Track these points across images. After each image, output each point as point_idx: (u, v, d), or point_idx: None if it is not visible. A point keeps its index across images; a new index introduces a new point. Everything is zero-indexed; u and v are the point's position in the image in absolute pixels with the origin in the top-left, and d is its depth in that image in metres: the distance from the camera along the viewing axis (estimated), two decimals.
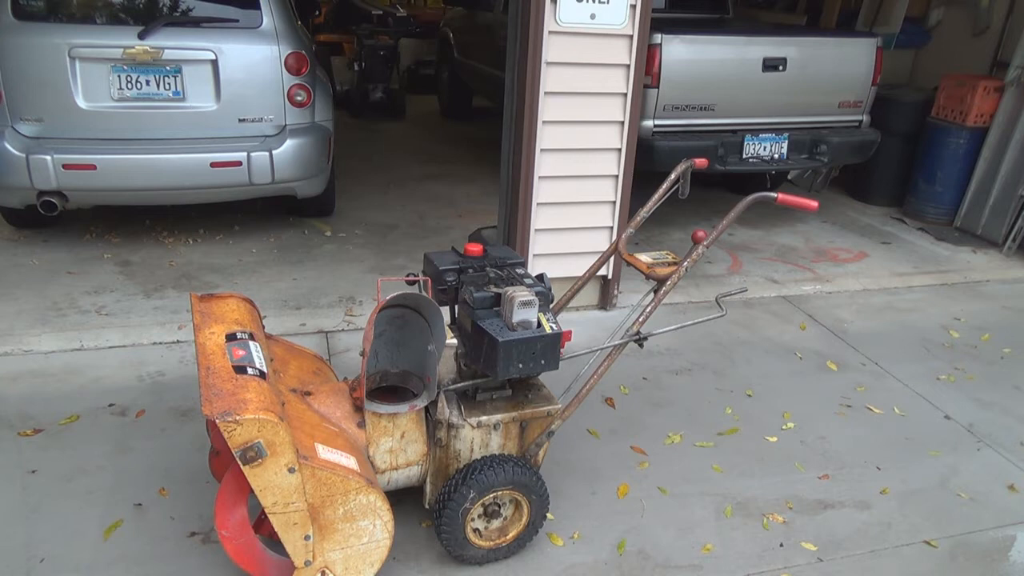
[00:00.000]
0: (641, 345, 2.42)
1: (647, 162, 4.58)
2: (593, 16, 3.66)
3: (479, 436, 2.39)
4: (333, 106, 4.96)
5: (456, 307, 2.42)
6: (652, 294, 2.48)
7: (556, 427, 2.44)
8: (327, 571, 2.11)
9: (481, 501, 2.33)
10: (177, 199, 4.69)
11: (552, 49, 3.67)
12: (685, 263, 2.41)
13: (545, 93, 3.73)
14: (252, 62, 4.38)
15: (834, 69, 5.18)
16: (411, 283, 2.42)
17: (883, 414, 3.48)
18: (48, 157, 4.07)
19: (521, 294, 2.20)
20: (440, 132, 8.66)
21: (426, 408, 2.38)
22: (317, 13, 9.73)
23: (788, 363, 3.89)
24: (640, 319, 2.40)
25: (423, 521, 2.59)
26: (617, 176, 4.02)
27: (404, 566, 2.43)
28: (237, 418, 1.83)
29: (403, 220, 5.54)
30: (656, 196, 2.73)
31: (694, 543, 2.63)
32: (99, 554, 2.41)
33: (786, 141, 5.16)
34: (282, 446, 1.90)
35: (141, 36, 4.16)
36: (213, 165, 4.30)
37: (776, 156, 5.16)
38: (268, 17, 4.41)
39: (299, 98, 4.51)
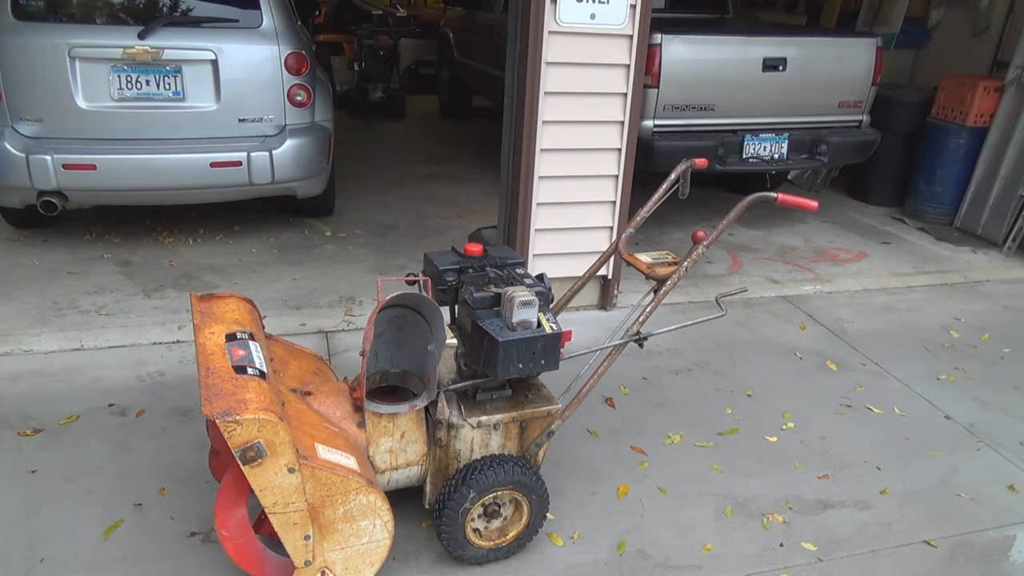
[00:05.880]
0: (641, 345, 2.42)
1: (647, 162, 4.58)
2: (593, 16, 3.66)
3: (479, 436, 2.39)
4: (333, 106, 4.96)
5: (456, 307, 2.42)
6: (652, 294, 2.48)
7: (556, 427, 2.44)
8: (327, 571, 2.11)
9: (481, 501, 2.33)
10: (177, 199, 4.69)
11: (552, 49, 3.67)
12: (685, 263, 2.41)
13: (545, 93, 3.73)
14: (252, 62, 4.38)
15: (834, 69, 5.18)
16: (411, 283, 2.41)
17: (883, 414, 3.48)
18: (48, 157, 4.07)
19: (521, 294, 2.20)
20: (440, 132, 8.66)
21: (426, 408, 2.38)
22: (317, 13, 9.75)
23: (788, 363, 3.89)
24: (640, 319, 2.40)
25: (423, 521, 2.59)
26: (617, 176, 4.02)
27: (404, 566, 2.43)
28: (237, 418, 1.83)
29: (403, 220, 5.54)
30: (656, 196, 2.73)
31: (694, 543, 2.63)
32: (99, 554, 2.41)
33: (786, 141, 5.16)
34: (282, 446, 1.90)
35: (141, 36, 4.16)
36: (213, 165, 4.30)
37: (776, 156, 5.16)
38: (268, 17, 4.41)
39: (299, 98, 4.51)
